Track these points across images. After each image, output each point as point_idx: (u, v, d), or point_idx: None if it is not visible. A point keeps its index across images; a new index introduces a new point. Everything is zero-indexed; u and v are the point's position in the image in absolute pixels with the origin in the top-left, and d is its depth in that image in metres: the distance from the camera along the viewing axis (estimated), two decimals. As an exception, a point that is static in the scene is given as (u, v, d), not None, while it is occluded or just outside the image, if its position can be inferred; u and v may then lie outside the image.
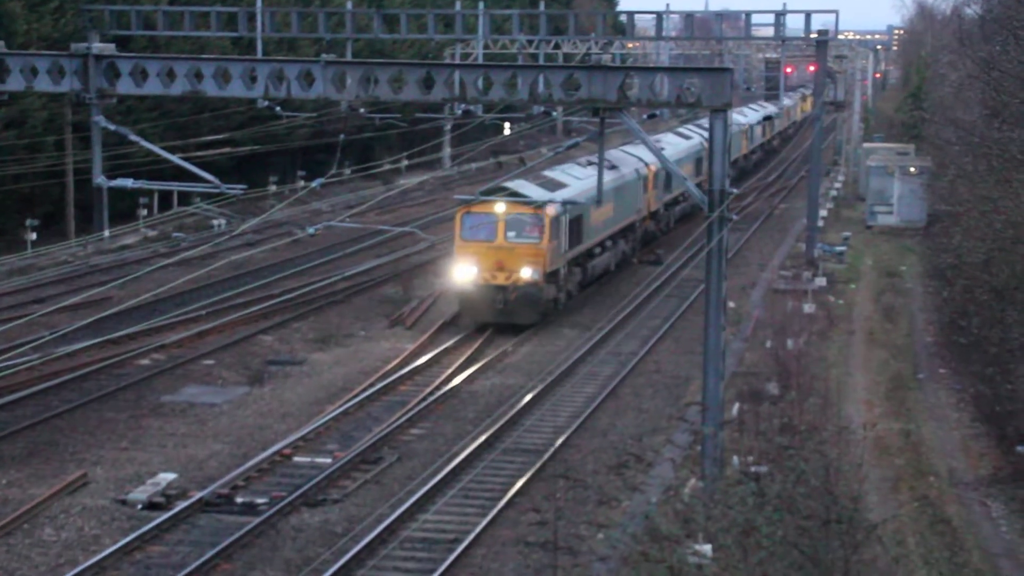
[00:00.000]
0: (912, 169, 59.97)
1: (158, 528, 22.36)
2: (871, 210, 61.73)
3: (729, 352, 30.49)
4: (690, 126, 64.99)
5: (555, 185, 40.81)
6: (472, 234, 37.12)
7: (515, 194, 37.73)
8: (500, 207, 37.19)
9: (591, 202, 39.37)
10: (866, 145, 74.60)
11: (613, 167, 46.32)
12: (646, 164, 50.35)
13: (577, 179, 42.74)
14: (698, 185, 48.77)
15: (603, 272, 45.43)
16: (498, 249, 36.98)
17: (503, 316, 37.15)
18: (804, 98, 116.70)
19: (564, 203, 38.45)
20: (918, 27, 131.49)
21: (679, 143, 59.61)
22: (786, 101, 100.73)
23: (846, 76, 76.67)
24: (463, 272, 37.13)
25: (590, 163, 45.26)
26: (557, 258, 38.49)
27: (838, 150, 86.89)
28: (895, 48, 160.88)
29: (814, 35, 53.75)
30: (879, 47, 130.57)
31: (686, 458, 26.89)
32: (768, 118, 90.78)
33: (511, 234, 37.08)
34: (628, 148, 52.65)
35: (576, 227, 40.73)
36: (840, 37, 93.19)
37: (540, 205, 37.08)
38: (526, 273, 36.86)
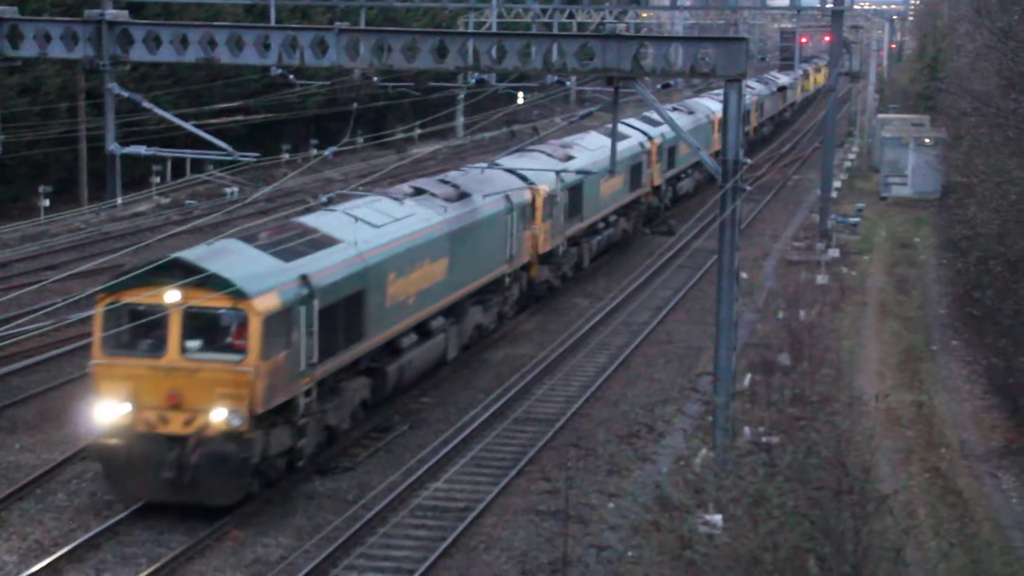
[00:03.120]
0: (927, 140, 59.70)
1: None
2: (885, 181, 61.48)
3: (741, 323, 30.43)
4: (635, 121, 51.72)
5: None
6: (122, 345, 21.97)
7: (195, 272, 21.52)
8: (172, 295, 21.50)
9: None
10: (881, 116, 74.24)
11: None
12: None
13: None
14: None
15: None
16: (169, 372, 21.54)
17: (177, 492, 21.49)
18: (818, 69, 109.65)
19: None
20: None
21: (606, 144, 47.85)
22: (784, 79, 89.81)
23: (861, 47, 76.21)
24: (107, 412, 21.71)
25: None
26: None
27: (852, 121, 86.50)
28: (911, 18, 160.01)
29: (830, 5, 53.42)
30: (895, 17, 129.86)
31: (697, 428, 26.91)
32: (766, 96, 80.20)
33: (192, 344, 21.66)
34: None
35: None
36: (856, 7, 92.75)
37: (241, 293, 21.32)
38: (220, 415, 21.28)
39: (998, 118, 34.48)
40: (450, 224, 29.17)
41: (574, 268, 40.53)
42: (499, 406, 27.86)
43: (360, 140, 63.29)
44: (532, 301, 36.86)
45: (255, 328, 21.28)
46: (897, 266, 46.09)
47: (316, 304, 22.71)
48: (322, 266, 23.55)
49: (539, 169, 36.31)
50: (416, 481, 23.58)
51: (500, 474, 24.24)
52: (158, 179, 54.24)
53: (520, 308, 35.97)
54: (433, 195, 29.93)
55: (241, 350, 21.33)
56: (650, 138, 49.37)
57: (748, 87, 70.55)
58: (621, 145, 42.11)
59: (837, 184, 58.50)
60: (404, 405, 28.08)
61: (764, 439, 23.23)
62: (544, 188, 35.24)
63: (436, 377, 29.87)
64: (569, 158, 39.36)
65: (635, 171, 46.15)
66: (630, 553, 20.90)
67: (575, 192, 38.40)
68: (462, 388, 29.77)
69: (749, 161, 24.65)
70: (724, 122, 23.45)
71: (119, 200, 48.98)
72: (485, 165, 35.21)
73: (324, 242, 24.58)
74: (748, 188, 24.93)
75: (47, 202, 47.66)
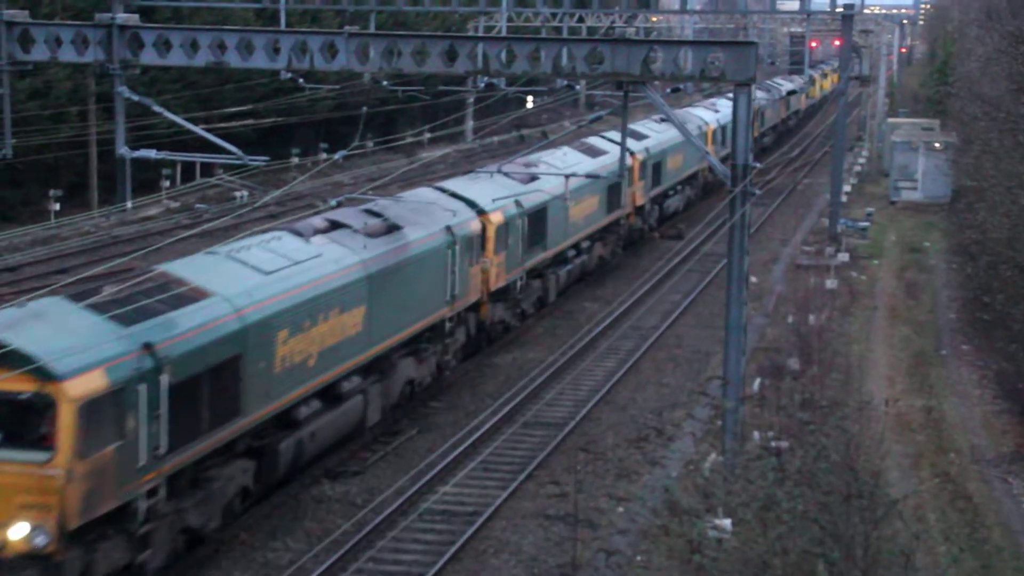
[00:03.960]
0: (937, 144, 59.62)
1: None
2: (895, 185, 61.40)
3: (751, 327, 30.44)
4: (616, 134, 43.52)
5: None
6: None
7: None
8: None
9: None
10: (891, 120, 74.14)
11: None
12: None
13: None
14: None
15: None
16: None
17: None
18: (824, 75, 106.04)
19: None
20: (945, 1, 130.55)
21: (581, 161, 40.06)
22: (787, 85, 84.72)
23: (872, 51, 76.14)
24: None
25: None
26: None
27: (863, 125, 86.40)
28: (921, 22, 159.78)
29: (840, 9, 53.36)
30: (905, 21, 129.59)
31: (707, 432, 26.90)
32: (767, 104, 75.63)
33: None
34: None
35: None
36: (866, 11, 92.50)
37: (47, 372, 16.72)
38: (19, 533, 16.67)
39: (1008, 122, 34.44)
40: (370, 265, 24.49)
41: (537, 304, 36.06)
42: (508, 410, 27.85)
43: (370, 144, 63.18)
44: (486, 344, 32.38)
45: (67, 418, 16.48)
46: (907, 270, 46.02)
47: (165, 380, 18.11)
48: (178, 330, 18.86)
49: (501, 197, 32.17)
50: (425, 485, 23.58)
51: (509, 478, 24.24)
52: (168, 183, 54.29)
53: (471, 353, 31.51)
54: (351, 229, 25.28)
55: (50, 446, 16.55)
56: (632, 153, 44.22)
57: (760, 90, 70.33)
58: (597, 162, 39.61)
59: (847, 188, 58.45)
60: (413, 409, 28.08)
61: (773, 443, 23.23)
62: (497, 216, 31.20)
63: (444, 382, 29.87)
64: (533, 179, 34.84)
65: (613, 190, 41.57)
66: (639, 557, 20.89)
67: (537, 218, 34.17)
68: (470, 392, 29.77)
69: (759, 165, 24.61)
70: (733, 126, 23.43)
71: (129, 204, 49.05)
72: (429, 189, 31.48)
73: (187, 297, 19.85)
74: (758, 192, 24.89)
75: (57, 206, 47.73)
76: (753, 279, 36.63)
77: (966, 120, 49.11)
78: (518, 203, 32.73)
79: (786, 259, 46.53)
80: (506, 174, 34.15)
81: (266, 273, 21.77)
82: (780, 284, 41.39)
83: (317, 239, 24.24)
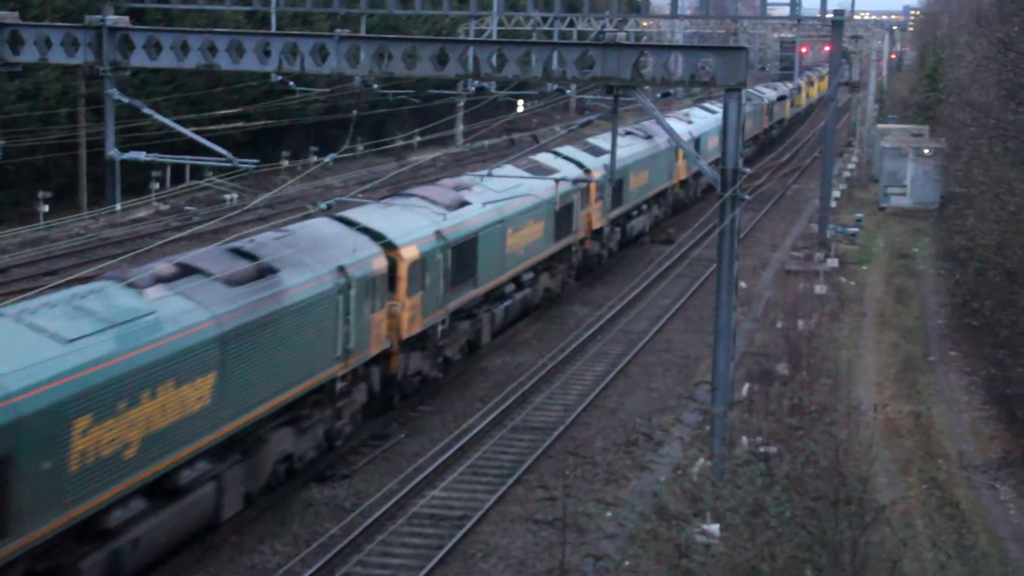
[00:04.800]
0: (926, 150, 59.75)
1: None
2: (884, 191, 61.52)
3: (740, 332, 30.48)
4: (572, 149, 43.32)
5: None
6: None
7: None
8: None
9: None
10: (880, 126, 74.30)
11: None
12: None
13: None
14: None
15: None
16: None
17: None
18: (811, 82, 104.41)
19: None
20: (935, 7, 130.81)
21: (524, 181, 35.15)
22: (769, 92, 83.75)
23: (861, 57, 76.32)
24: None
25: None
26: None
27: (852, 131, 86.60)
28: (911, 28, 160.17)
29: (830, 15, 53.48)
30: (895, 27, 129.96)
31: (695, 437, 26.91)
32: (748, 113, 66.83)
33: None
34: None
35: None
36: (856, 17, 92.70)
37: None
38: None
39: (998, 129, 34.52)
40: (225, 322, 19.95)
41: (466, 349, 31.69)
42: (497, 414, 27.86)
43: (360, 147, 63.31)
44: (399, 400, 28.03)
45: None
46: (896, 276, 46.10)
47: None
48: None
49: (419, 227, 28.52)
50: (413, 489, 23.56)
51: (498, 482, 24.24)
52: (157, 185, 54.24)
53: (381, 411, 27.44)
54: (205, 276, 20.98)
55: None
56: (588, 171, 40.27)
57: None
58: (543, 183, 35.35)
59: (836, 194, 58.56)
60: (402, 413, 28.05)
61: (762, 449, 23.21)
62: (411, 251, 27.39)
63: (433, 385, 29.84)
64: (462, 204, 31.16)
65: (564, 214, 37.57)
66: (627, 562, 20.89)
67: (464, 250, 30.18)
68: (460, 396, 29.76)
69: (748, 170, 24.64)
70: (723, 131, 23.44)
71: (118, 206, 49.00)
72: (327, 220, 27.00)
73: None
74: (747, 198, 24.92)
75: (46, 207, 47.65)
76: (742, 284, 36.73)
77: (955, 126, 49.22)
78: (440, 234, 28.78)
79: (775, 264, 46.60)
80: (431, 200, 30.29)
81: (66, 341, 17.22)
82: (769, 289, 41.43)
83: (154, 290, 19.78)
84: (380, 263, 25.68)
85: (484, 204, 31.77)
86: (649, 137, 49.82)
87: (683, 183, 56.85)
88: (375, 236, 26.30)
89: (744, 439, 24.81)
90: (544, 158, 39.80)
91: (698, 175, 58.04)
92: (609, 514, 22.84)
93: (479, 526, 22.25)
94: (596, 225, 41.77)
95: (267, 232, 24.80)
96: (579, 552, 21.04)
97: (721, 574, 16.71)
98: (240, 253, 22.58)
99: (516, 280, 34.61)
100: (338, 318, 23.60)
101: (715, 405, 23.71)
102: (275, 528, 21.96)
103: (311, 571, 19.90)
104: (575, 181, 37.13)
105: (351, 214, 27.62)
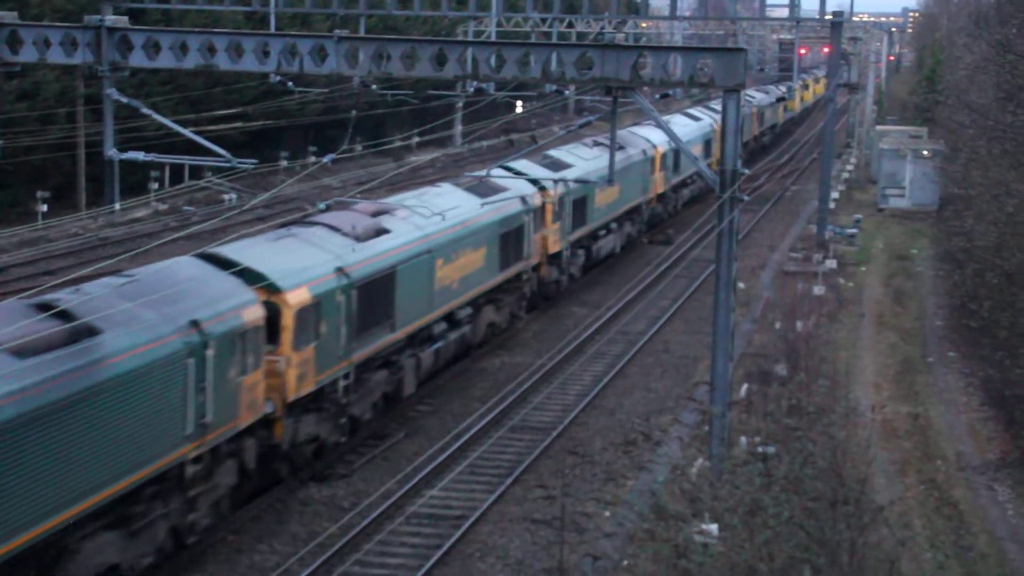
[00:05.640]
0: (925, 152, 59.80)
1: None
2: (883, 193, 61.56)
3: (738, 333, 30.51)
4: (525, 163, 38.27)
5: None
6: None
7: None
8: None
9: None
10: (879, 128, 74.36)
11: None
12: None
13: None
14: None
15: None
16: None
17: None
18: (806, 85, 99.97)
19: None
20: (933, 9, 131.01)
21: (463, 203, 31.32)
22: (760, 97, 79.95)
23: (860, 58, 76.36)
24: None
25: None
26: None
27: (851, 132, 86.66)
28: (910, 30, 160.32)
29: (829, 16, 53.51)
30: (894, 29, 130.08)
31: (693, 438, 26.94)
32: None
33: None
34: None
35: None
36: (855, 19, 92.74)
37: None
38: None
39: (996, 131, 34.56)
40: (3, 408, 15.57)
41: (382, 403, 26.77)
42: (496, 414, 27.87)
43: (359, 147, 63.32)
44: (289, 476, 23.44)
45: None
46: (894, 277, 46.12)
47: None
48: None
49: (315, 264, 23.94)
50: (412, 488, 23.57)
51: (496, 482, 24.24)
52: (156, 185, 54.24)
53: (264, 489, 22.70)
54: None
55: None
56: (542, 188, 36.24)
57: (713, 110, 63.32)
58: (485, 204, 31.61)
59: (835, 195, 58.58)
60: (401, 413, 28.06)
61: (760, 449, 23.26)
62: (299, 294, 22.68)
63: (432, 385, 29.85)
64: (378, 233, 26.63)
65: (512, 238, 33.32)
66: (625, 562, 20.90)
67: (377, 289, 25.62)
68: (458, 396, 29.76)
69: (747, 171, 24.66)
70: (722, 132, 23.47)
71: (117, 206, 48.96)
72: (191, 259, 22.11)
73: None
74: (746, 199, 24.94)
75: (45, 207, 47.67)
76: (741, 285, 36.73)
77: (954, 128, 49.26)
78: (342, 271, 24.27)
79: (774, 265, 46.61)
80: (337, 229, 25.84)
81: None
82: (768, 290, 41.45)
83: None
84: (254, 313, 20.96)
85: (409, 231, 27.66)
86: (621, 148, 44.52)
87: (661, 196, 52.22)
88: (253, 278, 21.77)
89: (742, 439, 24.84)
90: (493, 174, 34.15)
91: (678, 187, 55.26)
92: (608, 514, 22.85)
93: (477, 526, 22.26)
94: (553, 249, 37.34)
95: (107, 278, 20.18)
96: (577, 552, 21.05)
97: (719, 574, 16.73)
98: (46, 310, 17.76)
99: (450, 318, 29.92)
100: (188, 387, 18.97)
101: (713, 405, 23.74)
102: (273, 527, 21.96)
103: (309, 570, 19.90)
104: (524, 200, 33.93)
105: (228, 251, 22.73)
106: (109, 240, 45.64)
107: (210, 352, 19.52)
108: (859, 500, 16.31)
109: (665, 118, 53.82)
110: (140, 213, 51.02)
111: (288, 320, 22.29)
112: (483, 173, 33.36)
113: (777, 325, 34.77)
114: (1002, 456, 27.45)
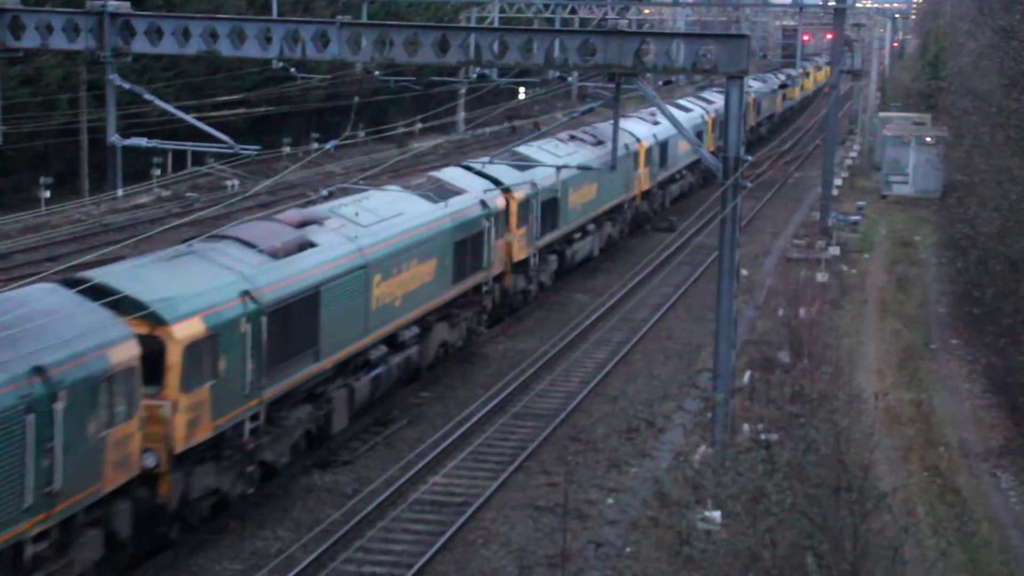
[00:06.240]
0: (928, 139, 59.70)
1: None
2: (886, 180, 61.48)
3: (741, 320, 30.48)
4: (499, 166, 32.75)
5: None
6: None
7: None
8: None
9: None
10: (882, 114, 74.24)
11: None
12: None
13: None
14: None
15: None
16: None
17: None
18: (806, 73, 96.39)
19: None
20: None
21: (408, 210, 27.95)
22: (756, 85, 75.06)
23: (863, 45, 76.20)
24: None
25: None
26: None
27: (854, 119, 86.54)
28: (913, 17, 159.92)
29: (832, 3, 53.40)
30: (897, 16, 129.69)
31: (697, 425, 26.95)
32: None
33: None
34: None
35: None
36: (858, 5, 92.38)
37: None
38: None
39: (999, 117, 34.49)
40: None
41: (303, 444, 23.28)
42: (498, 401, 27.87)
43: (361, 134, 63.28)
44: (181, 533, 20.05)
45: None
46: (897, 264, 46.09)
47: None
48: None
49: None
50: (415, 475, 23.58)
51: (499, 469, 24.25)
52: (159, 171, 54.22)
53: (146, 555, 19.37)
54: None
55: None
56: (507, 190, 32.81)
57: (703, 100, 61.75)
58: (435, 210, 28.48)
59: (838, 182, 58.48)
60: (403, 400, 28.06)
61: (763, 436, 23.28)
62: (189, 326, 19.28)
63: (435, 372, 29.84)
64: (301, 247, 23.07)
65: (469, 247, 29.87)
66: (628, 549, 20.92)
67: (296, 314, 22.00)
68: (461, 383, 29.76)
69: (750, 158, 24.63)
70: (725, 119, 23.44)
71: (120, 192, 48.99)
72: (51, 290, 18.13)
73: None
74: (749, 185, 24.91)
75: (48, 193, 47.66)
76: (744, 272, 36.71)
77: (957, 115, 49.18)
78: (249, 296, 20.71)
79: (777, 252, 46.58)
80: (250, 244, 22.19)
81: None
82: (771, 277, 41.42)
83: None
84: (126, 352, 17.58)
85: (339, 244, 24.20)
86: (600, 143, 41.22)
87: (646, 194, 48.77)
88: (131, 308, 18.59)
89: (745, 426, 24.84)
90: (449, 175, 31.83)
91: (665, 183, 52.52)
92: (611, 501, 22.86)
93: (480, 512, 22.26)
94: (519, 256, 33.91)
95: None
96: (580, 539, 21.06)
97: (722, 561, 16.75)
98: None
99: (392, 340, 26.45)
100: (26, 449, 15.53)
101: (716, 393, 23.75)
102: (277, 513, 21.98)
103: (312, 557, 19.92)
104: (484, 203, 30.70)
105: (102, 275, 19.27)
106: (112, 226, 45.64)
107: (59, 405, 16.01)
108: (862, 487, 16.31)
109: (651, 109, 51.37)
110: (143, 199, 51.00)
111: (174, 357, 18.86)
112: (437, 174, 31.38)
113: (780, 312, 34.75)
114: (1005, 443, 27.46)
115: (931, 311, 39.66)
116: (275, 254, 22.29)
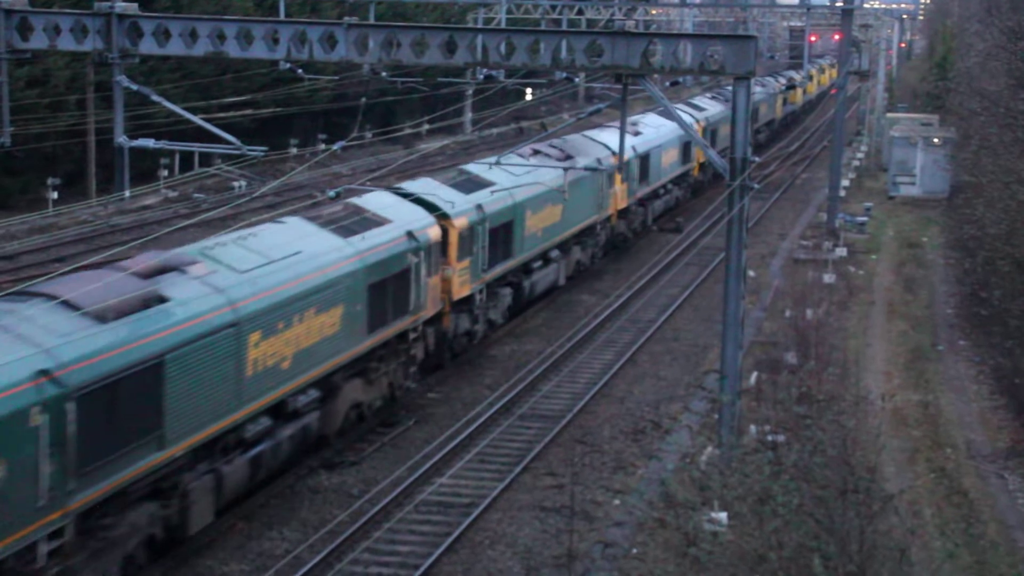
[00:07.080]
0: (935, 140, 59.63)
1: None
2: (893, 180, 61.42)
3: (748, 321, 30.47)
4: (441, 184, 30.80)
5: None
6: None
7: None
8: None
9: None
10: (890, 115, 74.16)
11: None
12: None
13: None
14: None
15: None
16: None
17: None
18: (810, 76, 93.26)
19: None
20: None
21: (319, 249, 23.56)
22: (756, 89, 73.08)
23: (871, 45, 76.10)
24: None
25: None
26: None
27: (861, 120, 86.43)
28: (921, 17, 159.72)
29: (839, 4, 53.33)
30: (905, 16, 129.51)
31: (703, 426, 26.93)
32: (717, 119, 59.33)
33: None
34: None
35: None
36: (866, 6, 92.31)
37: None
38: None
39: (1007, 118, 34.43)
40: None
41: (143, 557, 18.83)
42: (505, 402, 27.87)
43: (368, 135, 63.31)
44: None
45: None
46: (905, 265, 46.04)
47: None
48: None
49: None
50: (421, 476, 23.59)
51: (505, 470, 24.26)
52: (166, 172, 54.30)
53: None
54: None
55: None
56: (444, 216, 28.66)
57: (693, 107, 59.30)
58: (340, 248, 23.86)
59: (845, 183, 58.45)
60: (410, 401, 28.07)
61: (770, 437, 23.25)
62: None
63: (441, 373, 29.84)
64: (146, 304, 18.57)
65: (391, 288, 25.40)
66: (635, 550, 20.91)
67: (125, 393, 17.30)
68: (468, 384, 29.76)
69: (757, 159, 24.61)
70: (732, 120, 23.43)
71: (127, 193, 49.03)
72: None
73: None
74: (756, 186, 24.89)
75: (55, 194, 47.75)
76: (751, 273, 36.65)
77: (965, 115, 49.07)
78: (49, 375, 16.02)
79: (784, 253, 46.54)
80: (71, 305, 17.58)
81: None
82: (778, 278, 41.39)
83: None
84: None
85: (200, 298, 19.52)
86: (569, 157, 37.21)
87: (623, 212, 44.52)
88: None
89: (752, 428, 24.83)
90: (374, 202, 27.11)
91: (647, 200, 48.45)
92: (617, 502, 22.86)
93: (487, 514, 22.27)
94: (460, 293, 29.59)
95: None
96: (587, 540, 21.06)
97: (729, 562, 16.73)
98: None
99: (279, 409, 21.87)
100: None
101: (723, 394, 23.73)
102: (283, 514, 22.00)
103: (319, 557, 19.94)
104: (412, 235, 26.34)
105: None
106: (119, 227, 45.69)
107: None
108: (869, 489, 16.29)
109: (635, 118, 48.72)
110: (150, 200, 51.05)
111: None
112: (358, 201, 26.89)
113: (787, 313, 34.72)
114: (1012, 444, 27.41)
115: (938, 312, 39.61)
116: (102, 316, 17.59)
